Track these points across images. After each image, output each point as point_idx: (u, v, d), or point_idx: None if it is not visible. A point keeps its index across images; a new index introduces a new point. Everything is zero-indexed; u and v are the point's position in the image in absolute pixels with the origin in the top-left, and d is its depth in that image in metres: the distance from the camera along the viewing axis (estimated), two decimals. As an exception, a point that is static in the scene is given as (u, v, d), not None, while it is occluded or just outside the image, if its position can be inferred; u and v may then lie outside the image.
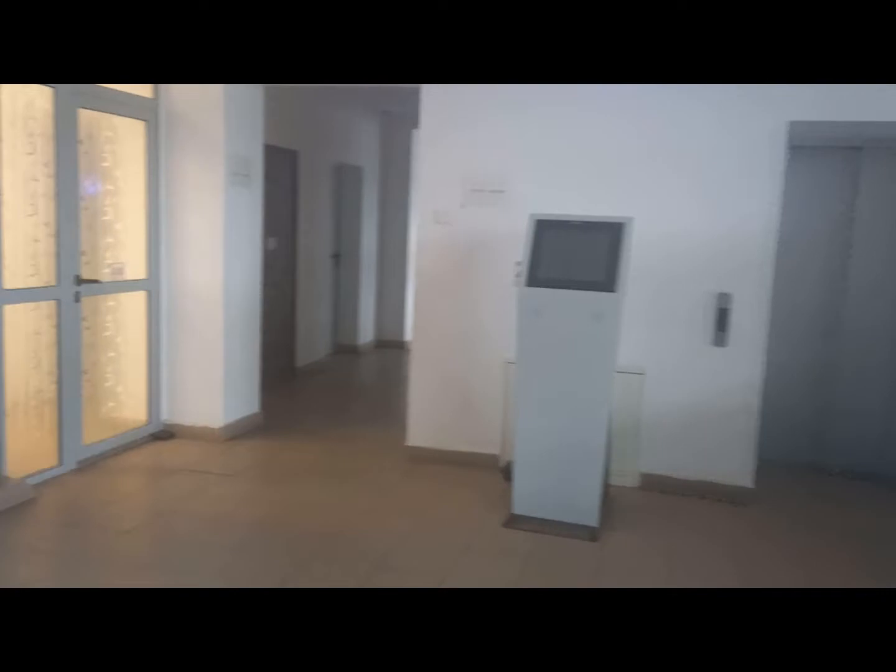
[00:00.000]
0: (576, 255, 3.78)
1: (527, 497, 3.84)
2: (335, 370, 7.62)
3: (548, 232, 3.79)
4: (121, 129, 4.53)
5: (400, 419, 5.08)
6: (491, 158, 4.47)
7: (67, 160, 4.03)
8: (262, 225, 5.32)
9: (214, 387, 4.95)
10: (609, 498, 4.11)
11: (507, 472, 4.10)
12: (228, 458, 4.65)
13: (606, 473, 3.94)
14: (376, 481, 4.36)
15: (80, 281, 4.18)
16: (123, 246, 4.62)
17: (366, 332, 8.60)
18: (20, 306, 3.90)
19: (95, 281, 4.32)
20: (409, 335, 8.92)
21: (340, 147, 7.76)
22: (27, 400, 4.07)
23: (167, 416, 5.00)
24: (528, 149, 4.39)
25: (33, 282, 3.98)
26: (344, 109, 7.71)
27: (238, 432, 5.09)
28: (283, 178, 6.66)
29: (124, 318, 4.69)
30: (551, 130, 4.36)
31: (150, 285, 4.80)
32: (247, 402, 5.28)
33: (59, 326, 4.09)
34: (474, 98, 4.43)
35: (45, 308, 4.05)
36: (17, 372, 3.96)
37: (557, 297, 3.70)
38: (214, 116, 4.73)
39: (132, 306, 4.73)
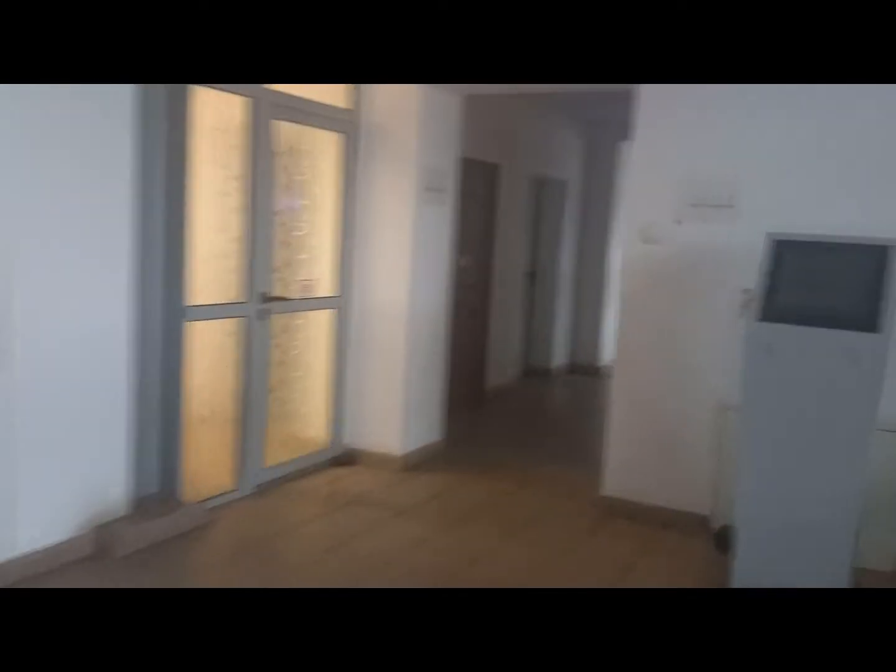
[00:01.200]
0: (825, 285, 3.07)
1: (750, 575, 3.16)
2: (525, 395, 7.19)
3: (789, 255, 3.11)
4: (319, 142, 4.42)
5: (593, 460, 4.54)
6: (716, 168, 3.83)
7: (261, 173, 3.94)
8: (454, 241, 5.02)
9: (397, 412, 4.69)
10: (858, 585, 3.31)
11: (721, 541, 3.44)
12: (405, 491, 4.35)
13: (856, 554, 3.17)
14: (561, 534, 3.85)
15: (268, 298, 4.08)
16: (317, 262, 4.49)
17: (558, 356, 8.10)
18: (205, 323, 3.83)
19: (285, 299, 4.20)
20: (604, 360, 8.32)
21: (542, 160, 7.35)
22: (209, 419, 4.01)
23: (349, 439, 4.81)
24: (763, 157, 3.71)
25: (221, 298, 3.91)
26: (546, 119, 7.30)
27: (419, 461, 4.79)
28: (480, 192, 6.36)
29: (312, 337, 4.56)
30: (792, 135, 3.65)
31: (339, 303, 4.64)
32: (429, 429, 4.99)
33: (245, 344, 3.99)
34: (698, 99, 3.81)
35: (230, 325, 3.97)
36: (200, 391, 3.90)
37: (799, 335, 3.01)
38: (409, 126, 4.49)
39: (320, 324, 4.59)
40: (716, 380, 3.84)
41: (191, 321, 3.68)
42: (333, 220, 4.54)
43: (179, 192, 3.53)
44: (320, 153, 4.43)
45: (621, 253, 4.17)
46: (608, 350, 8.51)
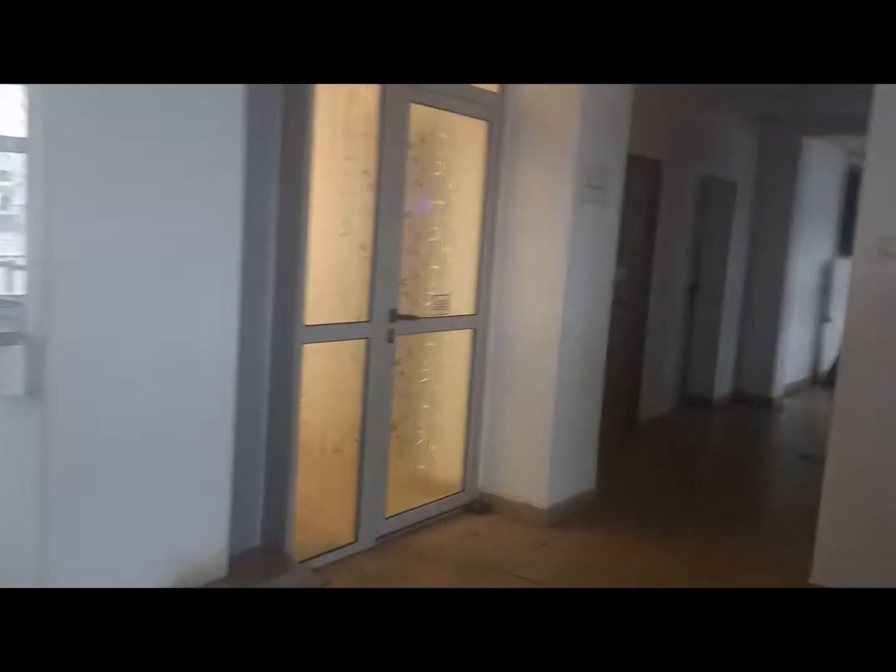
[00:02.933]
0: None
1: None
2: (686, 430, 6.19)
3: None
4: (458, 131, 3.71)
5: (785, 526, 3.59)
6: None
7: (393, 168, 3.27)
8: (615, 250, 4.18)
9: (541, 454, 3.90)
10: None
11: None
12: (552, 560, 3.54)
13: None
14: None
15: (396, 316, 3.40)
16: (451, 273, 3.78)
17: (722, 383, 7.03)
18: (321, 345, 3.19)
19: (414, 317, 3.51)
20: (777, 390, 7.17)
21: (709, 157, 6.35)
22: (322, 459, 3.37)
23: (484, 483, 4.07)
24: None
25: (341, 316, 3.27)
26: (716, 112, 6.28)
27: (566, 515, 3.97)
28: (640, 192, 5.47)
29: (443, 362, 3.85)
30: None
31: (477, 323, 3.91)
32: (579, 476, 4.16)
33: (367, 371, 3.33)
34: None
35: (351, 348, 3.32)
36: (313, 426, 3.26)
37: None
38: (568, 113, 3.70)
39: (454, 348, 3.88)
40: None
41: (307, 343, 3.06)
42: (472, 224, 3.82)
43: (297, 194, 2.91)
44: (458, 144, 3.72)
45: (851, 271, 3.20)
46: (784, 377, 7.36)
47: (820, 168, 7.33)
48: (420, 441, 3.78)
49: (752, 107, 6.49)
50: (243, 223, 2.66)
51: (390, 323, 3.39)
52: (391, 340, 3.41)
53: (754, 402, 7.07)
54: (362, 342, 3.31)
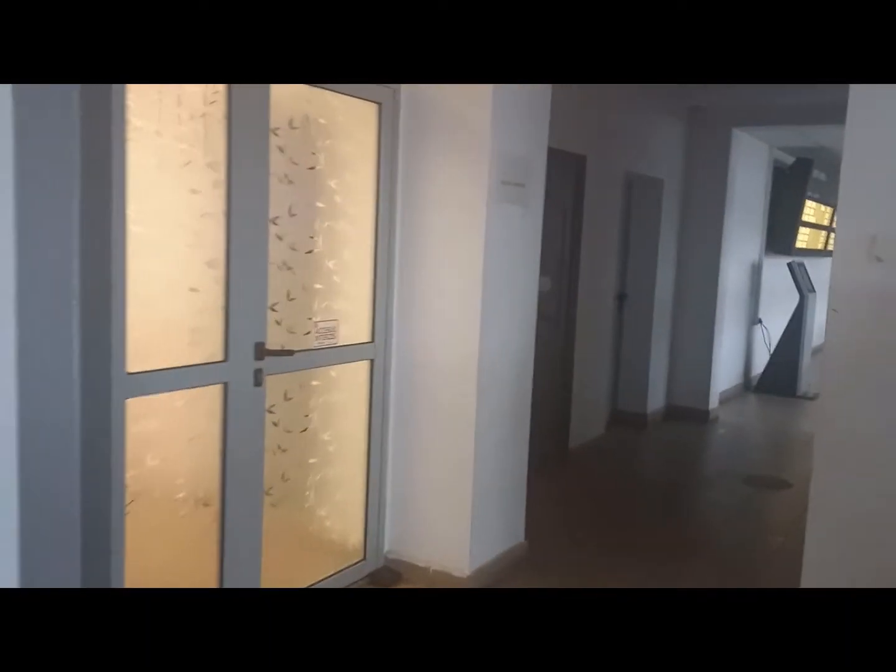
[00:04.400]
0: None
1: None
2: (620, 455, 5.59)
3: None
4: (341, 115, 2.96)
5: (738, 563, 2.99)
6: None
7: (250, 160, 2.50)
8: (538, 257, 3.52)
9: (460, 509, 3.19)
10: None
11: None
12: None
13: None
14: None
15: (264, 352, 2.63)
16: (338, 293, 3.03)
17: (655, 398, 6.48)
18: (164, 397, 2.38)
19: (289, 352, 2.74)
20: (713, 402, 6.68)
21: (634, 152, 5.79)
22: (175, 538, 2.56)
23: (392, 548, 3.33)
24: None
25: (187, 356, 2.46)
26: (641, 103, 5.71)
27: (493, 579, 3.28)
28: (562, 192, 4.84)
29: (334, 404, 3.09)
30: None
31: (376, 352, 3.17)
32: (507, 530, 3.47)
33: (225, 426, 2.54)
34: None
35: (205, 396, 2.52)
36: (159, 500, 2.45)
37: None
38: (480, 98, 3.02)
39: (346, 385, 3.12)
40: None
41: (133, 398, 2.25)
42: (364, 231, 3.09)
43: (105, 198, 2.10)
44: (342, 131, 2.97)
45: (832, 274, 2.59)
46: (719, 387, 6.88)
47: (747, 163, 6.90)
48: (307, 504, 3.00)
49: (679, 97, 5.98)
50: (19, 237, 1.85)
51: (257, 361, 2.61)
52: (259, 383, 2.63)
53: (690, 416, 6.56)
54: (217, 388, 2.52)
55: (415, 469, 3.28)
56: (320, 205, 2.88)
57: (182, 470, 2.50)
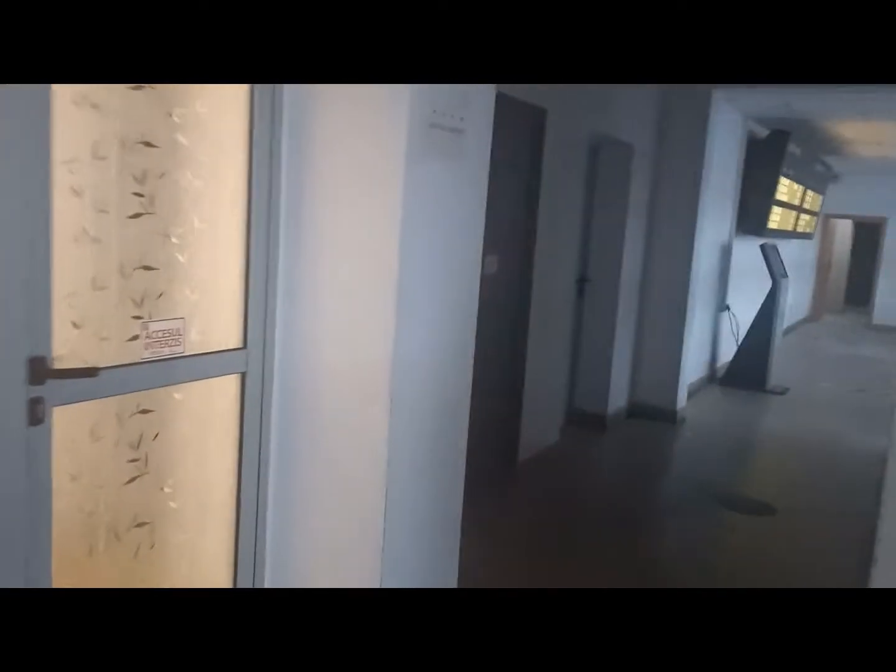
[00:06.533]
0: None
1: None
2: (577, 466, 4.77)
3: None
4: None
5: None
6: None
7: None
8: (481, 228, 2.62)
9: (368, 561, 2.30)
10: None
11: None
12: None
13: None
14: None
15: (45, 373, 1.68)
16: (186, 278, 2.07)
17: (617, 395, 5.68)
18: None
19: (89, 371, 1.78)
20: (681, 401, 5.91)
21: (602, 110, 4.91)
22: None
23: (271, 629, 2.42)
24: None
25: None
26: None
27: None
28: (517, 151, 3.95)
29: (181, 439, 2.14)
30: None
31: (248, 363, 2.23)
32: (433, 578, 2.60)
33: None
34: None
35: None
36: None
37: None
38: None
39: (202, 410, 2.18)
40: None
41: None
42: (229, 191, 2.13)
43: None
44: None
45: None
46: (686, 381, 6.12)
47: (722, 134, 6.09)
48: (134, 583, 2.06)
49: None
50: None
51: (33, 386, 1.66)
52: (38, 420, 1.68)
53: (655, 415, 5.79)
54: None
55: (305, 520, 2.37)
56: (152, 144, 1.91)
57: None
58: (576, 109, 4.49)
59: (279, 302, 2.27)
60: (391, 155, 2.12)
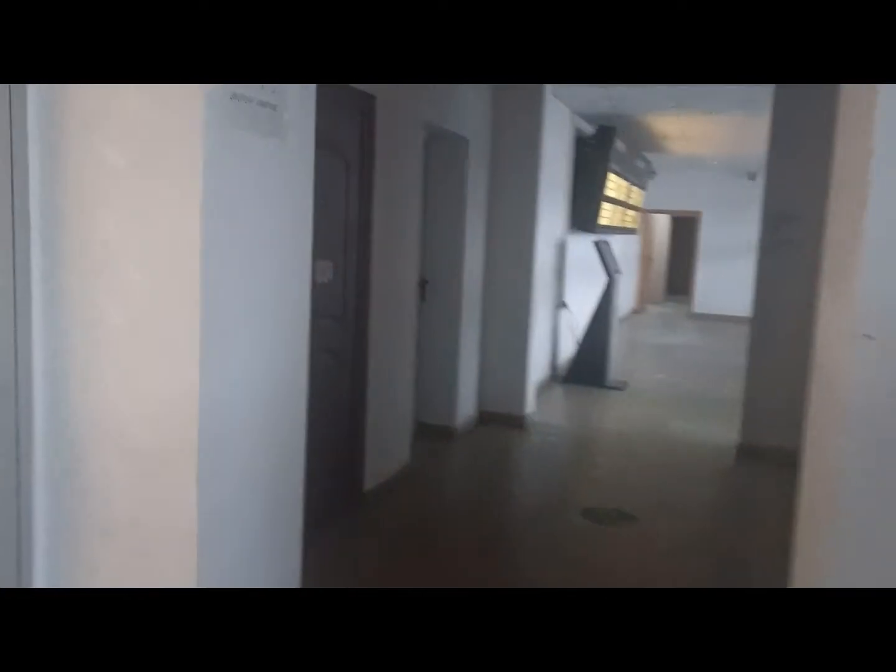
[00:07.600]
0: None
1: None
2: (428, 488, 4.37)
3: None
4: None
5: None
6: None
7: None
8: (310, 226, 2.14)
9: None
10: None
11: None
12: None
13: None
14: None
15: None
16: None
17: (465, 404, 5.37)
18: None
19: None
20: (530, 406, 5.70)
21: (434, 100, 4.55)
22: None
23: None
24: None
25: None
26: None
27: None
28: (347, 141, 3.49)
29: None
30: None
31: (-7, 414, 1.63)
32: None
33: None
34: None
35: None
36: None
37: None
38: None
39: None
40: None
41: None
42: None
43: None
44: None
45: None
46: (535, 389, 5.91)
47: (552, 129, 5.95)
48: None
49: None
50: None
51: None
52: None
53: (504, 421, 5.53)
54: None
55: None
56: None
57: None
58: (407, 98, 4.10)
59: (35, 331, 1.68)
60: (191, 122, 1.60)
